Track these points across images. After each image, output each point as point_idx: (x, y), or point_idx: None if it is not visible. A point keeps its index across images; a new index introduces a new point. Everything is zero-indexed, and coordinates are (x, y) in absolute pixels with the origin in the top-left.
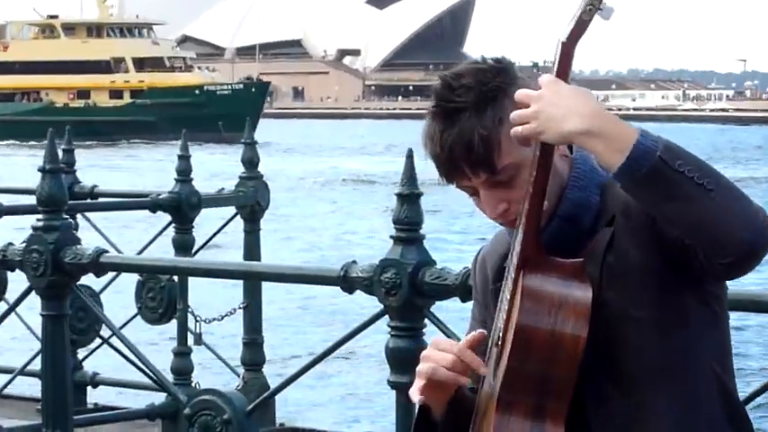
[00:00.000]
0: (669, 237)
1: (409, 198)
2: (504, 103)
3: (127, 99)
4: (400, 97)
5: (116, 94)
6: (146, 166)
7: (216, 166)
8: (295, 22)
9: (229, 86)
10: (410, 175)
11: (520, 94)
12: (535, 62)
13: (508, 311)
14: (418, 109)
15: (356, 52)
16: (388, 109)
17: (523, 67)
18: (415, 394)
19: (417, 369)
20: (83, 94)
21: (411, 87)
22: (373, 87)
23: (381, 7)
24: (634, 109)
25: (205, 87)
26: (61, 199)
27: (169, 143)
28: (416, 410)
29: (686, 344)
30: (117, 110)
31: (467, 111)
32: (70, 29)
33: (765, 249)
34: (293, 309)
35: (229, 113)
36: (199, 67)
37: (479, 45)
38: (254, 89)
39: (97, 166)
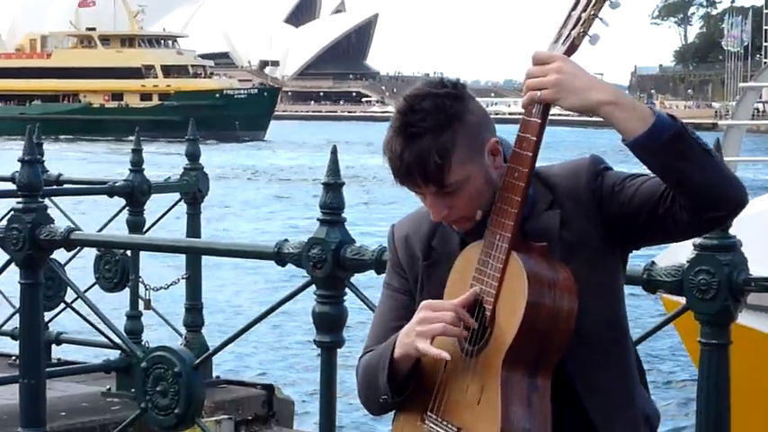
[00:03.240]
0: (624, 214)
1: (333, 186)
2: (457, 128)
3: (155, 101)
4: (312, 101)
5: (146, 96)
6: (166, 160)
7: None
8: (223, 37)
9: (246, 91)
10: (334, 167)
11: (539, 56)
12: (427, 73)
13: (499, 286)
14: (327, 112)
15: (276, 63)
16: (302, 111)
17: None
18: (429, 347)
19: (422, 329)
20: (117, 96)
21: (321, 93)
22: (290, 93)
23: (297, 25)
24: (509, 114)
25: (224, 91)
26: (38, 185)
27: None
28: (386, 363)
29: (622, 299)
30: (147, 110)
31: (425, 135)
32: (106, 40)
33: (743, 208)
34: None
35: (245, 115)
36: (218, 74)
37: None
38: (266, 93)
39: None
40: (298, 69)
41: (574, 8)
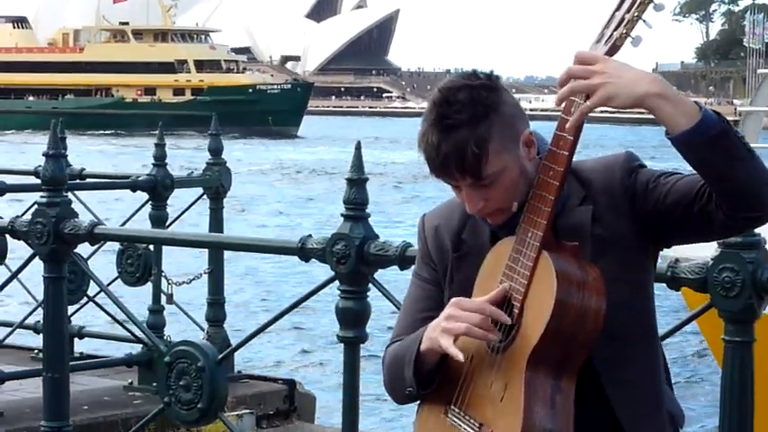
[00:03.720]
0: (658, 211)
1: (357, 182)
2: (493, 119)
3: (188, 96)
4: (333, 97)
5: (178, 91)
6: (199, 155)
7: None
8: (245, 33)
9: (278, 86)
10: (358, 163)
11: (583, 56)
12: (448, 69)
13: (528, 284)
14: (348, 107)
15: (297, 58)
16: (324, 107)
17: (439, 74)
18: (450, 346)
19: (448, 326)
20: (149, 91)
21: (343, 89)
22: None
23: (318, 20)
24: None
25: (257, 87)
26: (62, 179)
27: (226, 135)
28: (413, 356)
29: (652, 297)
30: (180, 105)
31: (462, 127)
32: (139, 34)
33: None
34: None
35: (278, 110)
36: (251, 70)
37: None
38: (299, 89)
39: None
40: (319, 65)
41: (618, 9)
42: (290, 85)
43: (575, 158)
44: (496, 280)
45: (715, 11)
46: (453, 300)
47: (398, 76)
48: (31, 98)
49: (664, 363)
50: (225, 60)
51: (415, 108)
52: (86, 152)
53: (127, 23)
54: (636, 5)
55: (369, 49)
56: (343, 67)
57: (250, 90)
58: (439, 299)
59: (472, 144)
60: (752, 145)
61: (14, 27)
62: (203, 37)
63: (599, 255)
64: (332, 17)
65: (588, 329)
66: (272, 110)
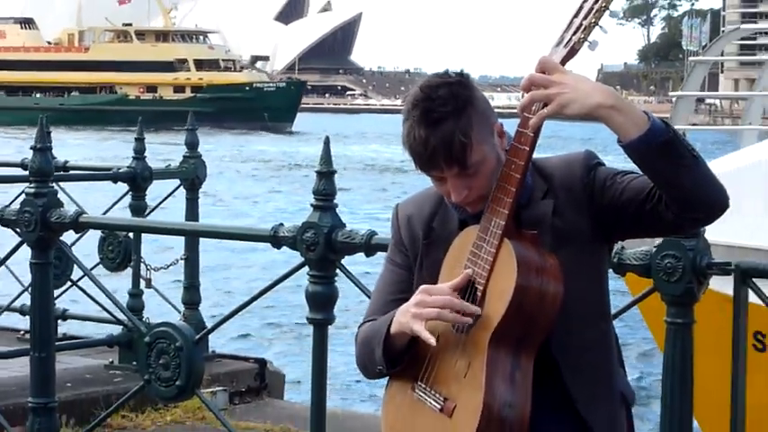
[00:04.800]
0: (613, 207)
1: (326, 175)
2: (471, 111)
3: (188, 94)
4: None
5: (179, 89)
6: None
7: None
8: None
9: (274, 84)
10: (326, 157)
11: (545, 64)
12: (407, 69)
13: (490, 269)
14: (314, 104)
15: (266, 58)
16: None
17: (398, 73)
18: (422, 330)
19: (417, 311)
20: (151, 88)
21: (309, 87)
22: None
23: (286, 23)
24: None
25: (254, 84)
26: (49, 171)
27: (226, 129)
28: (382, 338)
29: (606, 285)
30: (180, 102)
31: (448, 119)
32: (141, 35)
33: (725, 212)
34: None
35: (273, 106)
36: (248, 68)
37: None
38: (292, 87)
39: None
40: (287, 64)
41: (576, 15)
42: (284, 84)
43: (539, 155)
44: (462, 264)
45: (656, 15)
46: (422, 287)
47: (361, 75)
48: (38, 95)
49: (617, 344)
50: (223, 60)
51: (376, 105)
52: (92, 146)
53: (130, 25)
54: (593, 12)
55: (333, 50)
56: (310, 67)
57: (247, 88)
58: (409, 283)
59: (459, 134)
60: (683, 127)
61: (22, 27)
62: (202, 37)
63: (558, 246)
64: (299, 20)
65: (546, 312)
66: (268, 106)
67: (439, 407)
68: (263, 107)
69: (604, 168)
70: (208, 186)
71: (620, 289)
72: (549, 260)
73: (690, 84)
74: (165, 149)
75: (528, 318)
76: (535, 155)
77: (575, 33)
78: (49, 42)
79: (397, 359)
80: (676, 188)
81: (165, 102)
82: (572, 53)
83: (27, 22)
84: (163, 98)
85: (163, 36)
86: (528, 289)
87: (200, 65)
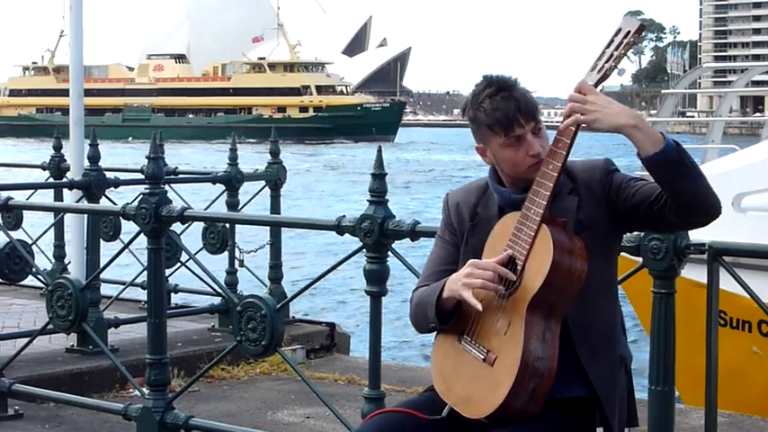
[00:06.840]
0: (625, 206)
1: (379, 176)
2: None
3: (311, 113)
4: None
5: (303, 109)
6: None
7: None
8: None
9: (380, 105)
10: (379, 161)
11: (582, 87)
12: (447, 91)
13: (529, 248)
14: None
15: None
16: None
17: (440, 95)
18: (470, 297)
19: (468, 281)
20: (281, 109)
21: None
22: None
23: (351, 55)
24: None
25: (363, 105)
26: (160, 175)
27: (341, 143)
28: (435, 300)
29: (615, 265)
30: (305, 120)
31: (516, 86)
32: (273, 66)
33: (717, 218)
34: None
35: (380, 122)
36: (358, 92)
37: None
38: (395, 107)
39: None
40: (351, 90)
41: (608, 46)
42: (389, 104)
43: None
44: (503, 244)
45: (646, 46)
46: (471, 261)
47: (410, 96)
48: (190, 116)
49: (620, 314)
50: (338, 85)
51: (423, 120)
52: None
53: (263, 58)
54: (623, 45)
55: (388, 76)
56: (370, 90)
57: (358, 108)
58: (455, 257)
59: (529, 93)
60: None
61: (176, 62)
62: (320, 67)
63: (579, 234)
64: (361, 53)
65: (573, 285)
66: (376, 123)
67: (482, 357)
68: (371, 123)
69: (620, 174)
70: (317, 186)
71: None
72: (577, 243)
73: (662, 111)
74: (294, 158)
75: (558, 290)
76: None
77: (607, 61)
78: (198, 74)
79: (447, 318)
80: (681, 196)
81: (292, 119)
82: (604, 78)
83: (180, 58)
84: (291, 117)
85: (290, 67)
86: (561, 266)
87: (320, 89)
